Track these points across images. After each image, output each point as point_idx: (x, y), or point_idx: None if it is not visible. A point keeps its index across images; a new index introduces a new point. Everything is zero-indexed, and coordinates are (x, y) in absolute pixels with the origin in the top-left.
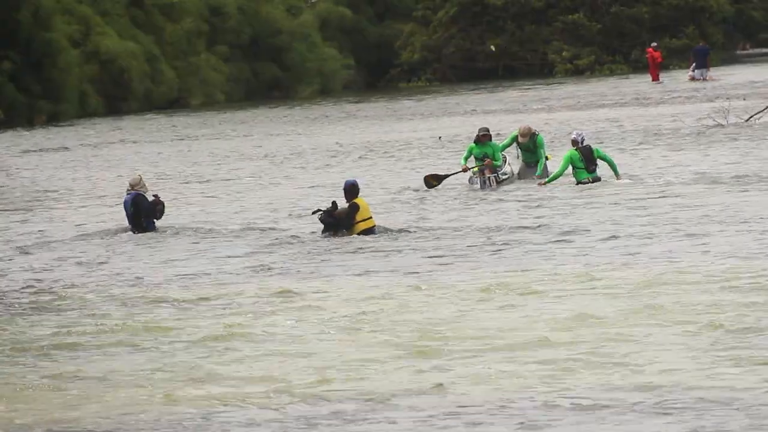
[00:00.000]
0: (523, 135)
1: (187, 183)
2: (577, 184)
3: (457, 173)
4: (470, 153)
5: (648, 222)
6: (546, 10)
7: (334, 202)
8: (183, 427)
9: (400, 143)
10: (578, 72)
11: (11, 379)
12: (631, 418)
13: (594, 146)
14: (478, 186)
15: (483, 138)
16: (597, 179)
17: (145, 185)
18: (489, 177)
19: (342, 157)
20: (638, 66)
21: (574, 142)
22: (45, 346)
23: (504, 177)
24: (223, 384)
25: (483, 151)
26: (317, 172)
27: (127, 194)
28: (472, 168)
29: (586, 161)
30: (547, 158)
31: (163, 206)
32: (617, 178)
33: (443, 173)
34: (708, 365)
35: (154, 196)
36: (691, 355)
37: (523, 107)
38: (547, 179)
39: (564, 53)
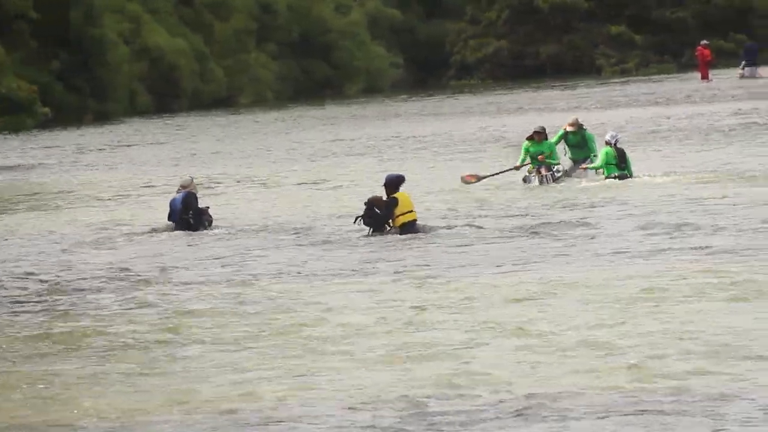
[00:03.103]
0: (571, 124)
1: (236, 183)
2: (606, 178)
3: (504, 172)
4: (527, 151)
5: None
6: (593, 12)
7: (366, 202)
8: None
9: (457, 140)
10: (625, 72)
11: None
12: None
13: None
14: (536, 183)
15: (537, 136)
16: (625, 176)
17: (195, 187)
18: (546, 175)
19: (399, 150)
20: (688, 65)
21: (608, 143)
22: (87, 343)
23: (558, 174)
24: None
25: (540, 149)
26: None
27: (177, 193)
28: (527, 165)
29: (618, 159)
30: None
31: (211, 219)
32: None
33: (486, 174)
34: None
35: (205, 207)
36: None
37: (570, 106)
38: (589, 166)
39: (611, 59)
